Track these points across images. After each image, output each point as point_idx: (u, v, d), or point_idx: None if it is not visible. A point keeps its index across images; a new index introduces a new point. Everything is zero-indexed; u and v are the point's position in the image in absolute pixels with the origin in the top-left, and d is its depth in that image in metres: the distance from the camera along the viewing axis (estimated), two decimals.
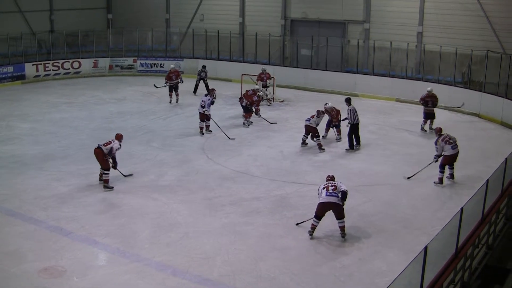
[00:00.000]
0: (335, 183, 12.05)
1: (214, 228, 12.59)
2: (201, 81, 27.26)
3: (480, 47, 24.29)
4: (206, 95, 21.02)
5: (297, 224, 12.66)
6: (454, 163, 15.59)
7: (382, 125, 21.79)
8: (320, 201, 11.91)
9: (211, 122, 20.39)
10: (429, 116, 20.93)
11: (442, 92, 24.94)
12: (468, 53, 24.34)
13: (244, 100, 21.58)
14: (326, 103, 19.76)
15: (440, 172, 15.42)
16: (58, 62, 30.93)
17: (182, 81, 25.36)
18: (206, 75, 27.42)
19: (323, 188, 11.99)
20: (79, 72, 31.55)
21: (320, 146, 18.41)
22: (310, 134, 18.64)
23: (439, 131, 15.74)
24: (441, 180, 15.43)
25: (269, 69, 27.19)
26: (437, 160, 15.49)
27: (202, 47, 32.56)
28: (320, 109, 19.25)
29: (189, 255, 11.38)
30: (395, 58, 27.08)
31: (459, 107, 17.20)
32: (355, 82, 27.68)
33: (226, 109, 24.16)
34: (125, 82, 29.94)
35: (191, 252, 11.51)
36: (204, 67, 27.63)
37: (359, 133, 18.68)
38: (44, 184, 15.21)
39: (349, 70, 28.91)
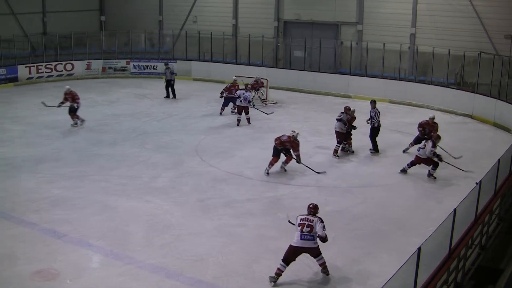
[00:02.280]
0: (312, 222, 10.40)
1: (207, 230, 12.57)
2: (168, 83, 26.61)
3: (473, 49, 24.36)
4: (245, 89, 22.30)
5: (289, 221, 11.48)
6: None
7: None
8: (293, 244, 10.43)
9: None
10: (419, 141, 17.70)
11: (435, 93, 25.12)
12: (461, 54, 24.41)
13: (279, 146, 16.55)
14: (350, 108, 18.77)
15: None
16: (51, 64, 30.88)
17: None
18: (172, 73, 26.49)
19: (299, 225, 10.43)
20: (72, 74, 31.50)
21: (335, 152, 18.03)
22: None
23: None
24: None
25: (262, 70, 27.25)
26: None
27: (195, 49, 32.57)
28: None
29: (183, 257, 11.35)
30: (388, 60, 27.11)
31: (456, 158, 16.37)
32: (348, 83, 27.74)
33: (218, 111, 24.15)
34: (118, 84, 29.89)
35: (185, 254, 11.48)
36: (166, 64, 27.33)
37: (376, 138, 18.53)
38: (36, 187, 15.14)
39: (342, 71, 28.97)
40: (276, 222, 12.98)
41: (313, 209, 10.74)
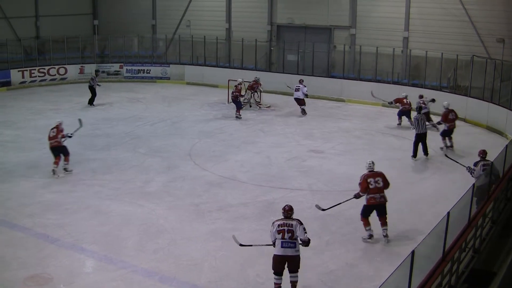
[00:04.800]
0: (292, 226, 9.93)
1: (201, 234, 12.55)
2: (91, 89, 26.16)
3: (465, 52, 24.47)
4: (300, 82, 24.58)
5: (240, 244, 10.85)
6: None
7: (368, 130, 21.87)
8: (276, 253, 10.00)
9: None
10: (449, 133, 19.34)
11: (428, 96, 25.13)
12: (454, 58, 24.51)
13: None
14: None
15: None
16: (44, 69, 30.85)
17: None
18: (94, 82, 26.13)
19: (278, 233, 9.96)
20: (65, 78, 31.50)
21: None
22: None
23: (482, 154, 13.99)
24: None
25: (256, 75, 27.25)
26: (469, 171, 13.76)
27: (189, 53, 32.60)
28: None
29: (176, 262, 11.33)
30: (381, 64, 27.20)
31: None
32: (341, 87, 27.80)
33: (212, 115, 24.19)
34: (111, 89, 29.82)
35: (178, 259, 11.45)
36: (97, 71, 27.62)
37: (427, 142, 18.21)
38: (29, 191, 15.09)
39: (335, 75, 29.05)
40: (270, 226, 12.94)
41: (290, 211, 10.22)
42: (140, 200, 14.56)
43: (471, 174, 13.66)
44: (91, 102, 26.13)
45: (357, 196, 12.56)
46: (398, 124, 22.48)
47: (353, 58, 28.85)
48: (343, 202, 12.77)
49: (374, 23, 28.25)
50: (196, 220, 13.36)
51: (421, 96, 21.93)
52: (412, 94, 23.48)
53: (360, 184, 12.47)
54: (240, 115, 23.69)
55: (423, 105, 21.34)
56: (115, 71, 32.75)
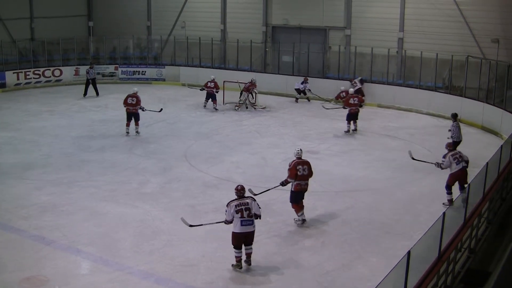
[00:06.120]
0: (248, 205, 10.90)
1: (197, 236, 12.53)
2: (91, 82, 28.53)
3: (460, 53, 24.52)
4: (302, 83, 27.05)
5: (190, 225, 11.72)
6: (466, 184, 13.60)
7: (364, 131, 21.88)
8: (236, 231, 10.94)
9: None
10: (352, 116, 21.54)
11: (423, 97, 25.26)
12: (449, 58, 24.55)
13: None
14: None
15: (448, 193, 14.18)
16: (39, 70, 30.77)
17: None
18: (93, 74, 28.64)
19: (237, 212, 10.83)
20: (60, 80, 31.41)
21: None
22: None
23: (449, 146, 14.96)
24: (450, 202, 13.95)
25: (251, 76, 27.30)
26: (438, 166, 14.55)
27: (184, 54, 32.62)
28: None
29: (173, 263, 11.32)
30: (376, 64, 27.24)
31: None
32: (337, 88, 27.77)
33: (207, 116, 24.20)
34: (106, 90, 29.75)
35: (175, 260, 11.45)
36: (91, 63, 29.23)
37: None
38: (24, 193, 15.06)
39: (331, 76, 29.04)
40: (266, 227, 12.97)
41: (242, 190, 11.14)
42: (136, 202, 14.55)
43: (440, 167, 14.47)
44: (96, 93, 28.58)
45: (284, 183, 13.11)
46: (346, 131, 21.70)
47: (348, 58, 28.86)
48: (272, 188, 13.40)
49: (369, 23, 28.26)
50: (192, 221, 13.31)
51: (351, 80, 26.31)
52: (407, 95, 23.60)
53: (289, 170, 13.00)
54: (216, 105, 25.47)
55: (354, 84, 25.67)
56: (110, 72, 32.69)
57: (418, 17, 26.82)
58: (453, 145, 16.73)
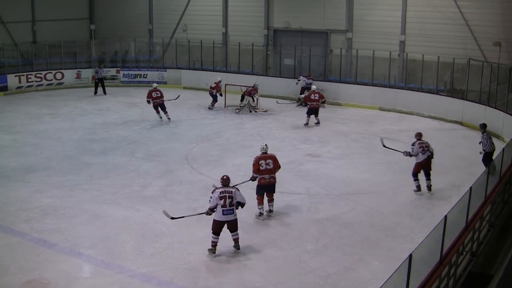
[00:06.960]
0: (232, 193, 11.60)
1: (198, 238, 12.52)
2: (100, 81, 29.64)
3: (462, 56, 24.50)
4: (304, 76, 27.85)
5: (172, 218, 12.12)
6: (430, 171, 15.41)
7: (365, 134, 21.89)
8: (217, 219, 11.67)
9: None
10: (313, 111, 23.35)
11: (425, 100, 25.26)
12: (450, 61, 24.54)
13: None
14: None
15: (414, 180, 15.48)
16: (41, 73, 30.83)
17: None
18: (102, 73, 29.94)
19: (220, 199, 11.52)
20: (62, 83, 31.47)
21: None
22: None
23: (418, 136, 15.80)
24: (418, 188, 15.43)
25: (253, 79, 27.33)
26: (407, 154, 15.65)
27: (185, 57, 32.64)
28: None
29: (174, 266, 11.31)
30: (378, 67, 27.22)
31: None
32: (338, 91, 27.84)
33: (209, 119, 24.22)
34: (108, 93, 29.81)
35: (176, 263, 11.44)
36: (100, 62, 30.38)
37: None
38: (26, 196, 15.06)
39: (332, 79, 29.04)
40: (266, 231, 12.97)
41: (227, 180, 11.83)
42: (137, 205, 14.55)
43: (409, 155, 15.55)
44: (104, 92, 29.79)
45: (252, 178, 13.84)
46: (305, 124, 23.44)
47: (349, 62, 28.85)
48: (242, 183, 13.66)
49: (370, 26, 28.25)
50: (194, 225, 13.32)
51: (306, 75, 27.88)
52: (409, 98, 23.57)
53: (253, 165, 13.77)
54: (213, 106, 26.47)
55: (307, 81, 27.34)
56: (112, 75, 32.70)
57: (420, 20, 26.80)
58: (486, 156, 16.59)
